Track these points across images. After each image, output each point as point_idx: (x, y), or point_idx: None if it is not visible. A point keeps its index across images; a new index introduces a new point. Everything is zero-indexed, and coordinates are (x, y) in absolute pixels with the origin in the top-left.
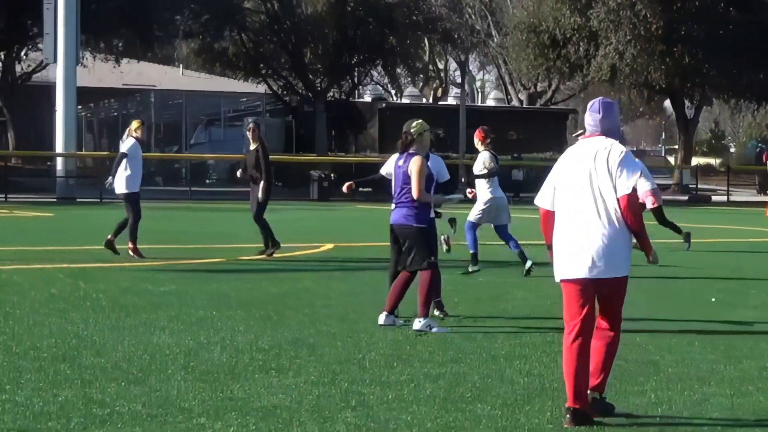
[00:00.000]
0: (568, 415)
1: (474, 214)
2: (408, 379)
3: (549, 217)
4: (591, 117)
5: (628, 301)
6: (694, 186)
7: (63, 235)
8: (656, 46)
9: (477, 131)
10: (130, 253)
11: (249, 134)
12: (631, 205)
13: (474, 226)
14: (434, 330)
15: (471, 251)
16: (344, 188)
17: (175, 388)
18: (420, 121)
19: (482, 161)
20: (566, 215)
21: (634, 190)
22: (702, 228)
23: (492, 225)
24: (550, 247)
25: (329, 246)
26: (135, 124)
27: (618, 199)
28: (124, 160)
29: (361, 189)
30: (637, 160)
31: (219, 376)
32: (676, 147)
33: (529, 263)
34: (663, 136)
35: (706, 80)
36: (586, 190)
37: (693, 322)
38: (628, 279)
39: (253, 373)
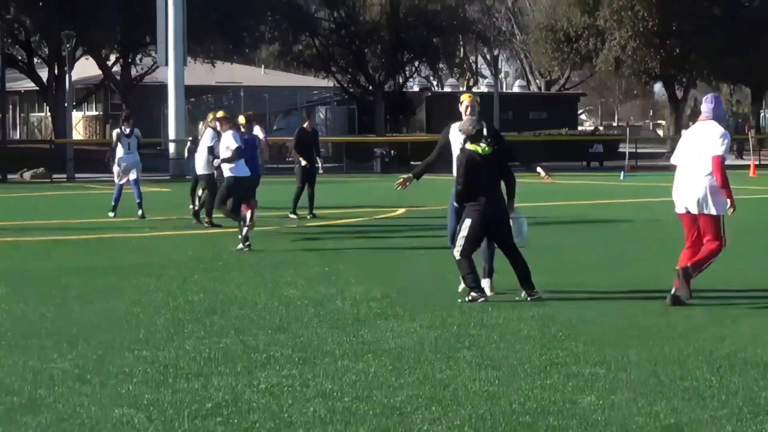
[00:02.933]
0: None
1: None
2: (505, 322)
3: None
4: (706, 106)
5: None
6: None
7: (181, 207)
8: (653, 39)
9: None
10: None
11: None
12: (717, 164)
13: None
14: None
15: None
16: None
17: (315, 334)
18: None
19: None
20: (682, 169)
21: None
22: None
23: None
24: None
25: (402, 210)
26: (212, 115)
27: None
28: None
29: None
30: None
31: (347, 323)
32: (661, 122)
33: None
34: (651, 113)
35: (694, 67)
36: (697, 153)
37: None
38: (720, 216)
39: (374, 319)
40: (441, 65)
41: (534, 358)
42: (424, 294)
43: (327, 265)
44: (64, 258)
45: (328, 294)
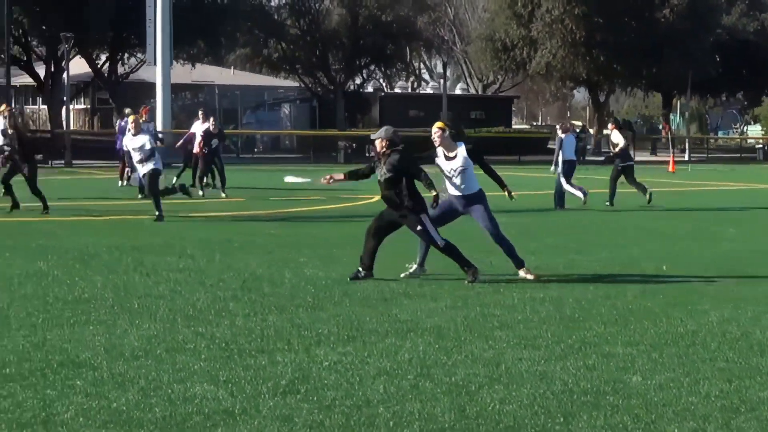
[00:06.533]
0: None
1: None
2: (520, 303)
3: None
4: None
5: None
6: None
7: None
8: (579, 49)
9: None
10: None
11: None
12: None
13: None
14: None
15: None
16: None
17: (352, 313)
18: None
19: None
20: None
21: None
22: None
23: None
24: None
25: (378, 197)
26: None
27: None
28: None
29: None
30: None
31: (376, 301)
32: (576, 123)
33: None
34: (568, 115)
35: (615, 74)
36: None
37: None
38: None
39: (400, 299)
40: (393, 69)
41: (565, 338)
42: (433, 276)
43: (333, 247)
44: (92, 237)
45: (345, 274)
